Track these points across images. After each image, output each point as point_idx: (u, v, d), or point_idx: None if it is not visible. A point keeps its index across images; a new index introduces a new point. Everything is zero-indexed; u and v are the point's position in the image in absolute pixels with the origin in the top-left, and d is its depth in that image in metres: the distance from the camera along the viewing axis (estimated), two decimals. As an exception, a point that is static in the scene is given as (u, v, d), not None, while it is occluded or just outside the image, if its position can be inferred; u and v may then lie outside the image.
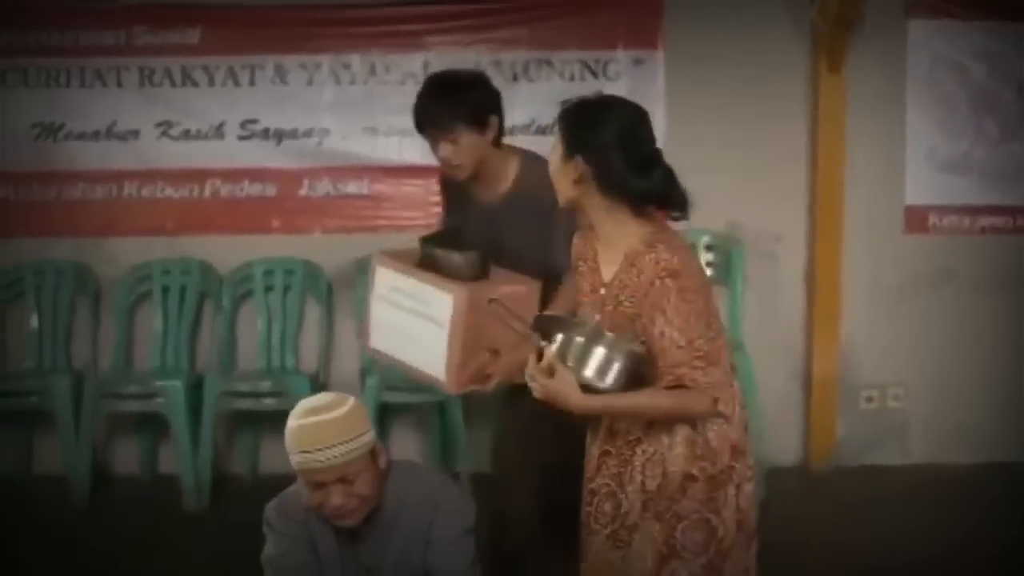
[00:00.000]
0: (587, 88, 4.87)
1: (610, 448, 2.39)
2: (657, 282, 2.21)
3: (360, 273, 4.84)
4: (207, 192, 4.89)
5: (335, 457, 2.22)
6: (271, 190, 4.90)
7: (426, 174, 4.87)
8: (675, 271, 2.21)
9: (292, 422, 2.28)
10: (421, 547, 2.35)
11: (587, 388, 2.23)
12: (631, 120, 2.32)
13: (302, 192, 4.90)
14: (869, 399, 5.00)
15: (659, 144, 5.26)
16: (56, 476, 4.70)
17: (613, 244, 2.32)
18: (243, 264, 4.84)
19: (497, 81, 4.79)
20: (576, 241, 2.49)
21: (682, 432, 2.30)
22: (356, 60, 4.86)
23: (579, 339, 2.22)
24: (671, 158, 5.26)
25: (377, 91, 4.87)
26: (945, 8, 4.87)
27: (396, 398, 4.55)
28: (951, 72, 4.91)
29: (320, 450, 2.22)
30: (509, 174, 3.07)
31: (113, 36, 4.81)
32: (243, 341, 4.86)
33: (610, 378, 2.22)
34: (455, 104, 2.97)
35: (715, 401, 2.26)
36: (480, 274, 2.92)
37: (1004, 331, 4.97)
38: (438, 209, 4.88)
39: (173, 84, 4.84)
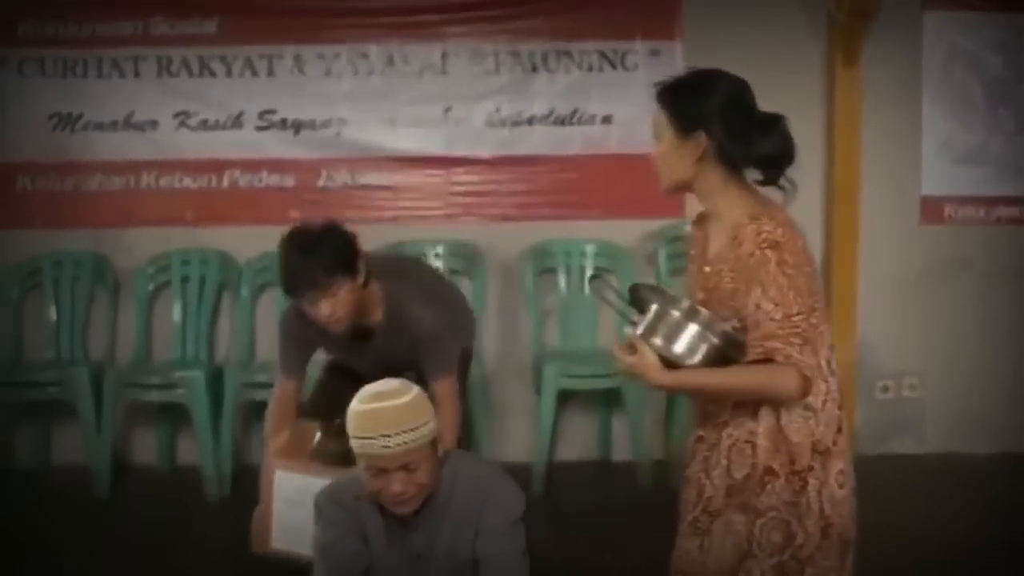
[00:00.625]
0: (605, 79, 4.94)
1: (702, 433, 2.35)
2: (757, 252, 2.15)
3: (379, 264, 4.85)
4: (225, 183, 4.89)
5: (401, 444, 2.22)
6: (289, 181, 4.90)
7: (445, 164, 4.93)
8: (776, 243, 2.15)
9: (358, 407, 2.27)
10: (471, 535, 2.36)
11: (672, 365, 2.18)
12: (737, 84, 2.26)
13: (320, 183, 4.91)
14: (885, 388, 5.03)
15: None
16: (74, 466, 4.72)
17: (722, 220, 2.27)
18: (262, 255, 4.83)
19: (515, 71, 4.94)
20: (691, 227, 2.46)
21: (765, 422, 2.23)
22: (374, 50, 4.86)
23: (674, 313, 2.18)
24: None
25: (395, 82, 4.87)
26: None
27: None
28: (967, 64, 4.93)
29: (387, 436, 2.22)
30: (377, 305, 3.06)
31: (130, 26, 4.81)
32: (261, 332, 4.87)
33: (698, 356, 2.16)
34: (326, 259, 2.88)
35: (807, 382, 2.15)
36: None
37: (1020, 321, 5.00)
38: (457, 199, 4.96)
39: (191, 74, 4.83)
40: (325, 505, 2.40)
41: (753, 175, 2.28)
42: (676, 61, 4.87)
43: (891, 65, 4.89)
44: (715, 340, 2.17)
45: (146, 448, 4.92)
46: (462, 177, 4.91)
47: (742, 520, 2.26)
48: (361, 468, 2.28)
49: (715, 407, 2.31)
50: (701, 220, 2.40)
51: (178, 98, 4.83)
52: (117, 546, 4.05)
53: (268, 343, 4.85)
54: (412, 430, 2.24)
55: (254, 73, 4.84)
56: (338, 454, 2.88)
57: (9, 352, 4.79)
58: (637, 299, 2.31)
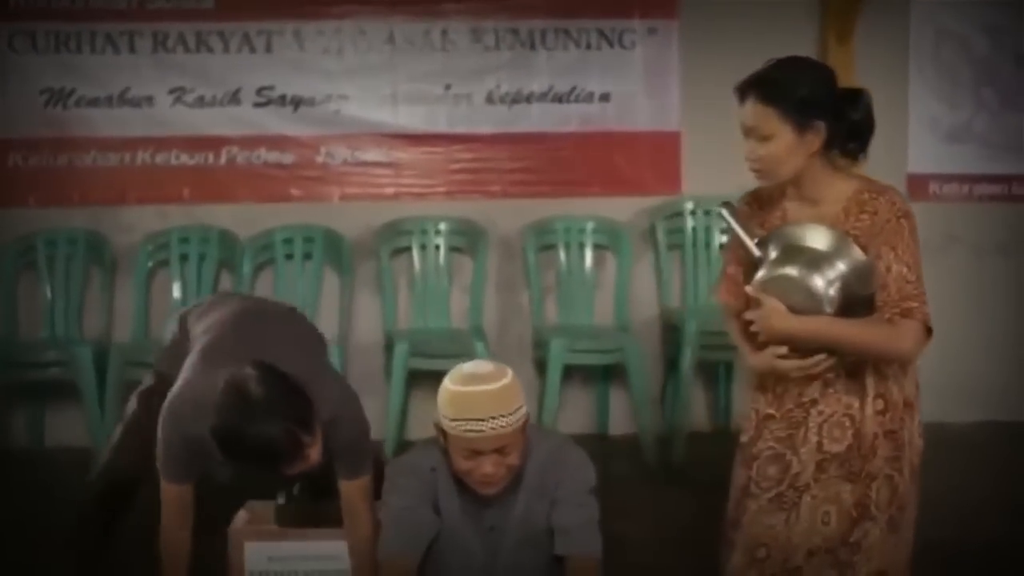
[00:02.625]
0: (603, 57, 4.98)
1: (774, 412, 2.40)
2: (894, 220, 2.26)
3: (382, 241, 4.86)
4: (223, 159, 4.84)
5: (499, 428, 2.24)
6: (288, 158, 4.87)
7: (445, 141, 4.93)
8: (908, 212, 2.29)
9: (455, 388, 2.28)
10: (545, 506, 2.39)
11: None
12: (822, 64, 2.36)
13: (320, 159, 4.88)
14: (873, 361, 5.16)
15: (671, 113, 5.25)
16: (71, 448, 4.65)
17: (820, 198, 2.33)
18: (263, 232, 4.81)
19: (515, 49, 4.95)
20: (746, 208, 2.45)
21: (872, 391, 2.33)
22: (375, 27, 4.84)
23: (819, 248, 2.25)
24: (685, 126, 5.30)
25: (395, 58, 4.87)
26: (948, -20, 5.04)
27: (424, 365, 4.59)
28: (953, 44, 5.07)
29: (484, 420, 2.23)
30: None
31: (125, 0, 4.73)
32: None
33: (833, 291, 2.23)
34: (298, 410, 2.40)
35: (930, 334, 2.27)
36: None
37: (1002, 294, 5.16)
38: (457, 176, 4.96)
39: (187, 50, 4.78)
40: (399, 474, 2.42)
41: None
42: (673, 39, 4.94)
43: (881, 45, 5.00)
44: (853, 273, 2.23)
45: (144, 428, 4.88)
46: (462, 154, 4.93)
47: (849, 488, 2.35)
48: (452, 448, 2.30)
49: (798, 388, 2.35)
50: (764, 201, 2.43)
51: (174, 74, 4.77)
52: (130, 526, 4.01)
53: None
54: (509, 414, 2.25)
55: (252, 49, 4.80)
56: (307, 514, 2.83)
57: (2, 332, 4.71)
58: (762, 245, 2.34)
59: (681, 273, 4.96)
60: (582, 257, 4.94)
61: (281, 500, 2.90)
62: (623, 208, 4.96)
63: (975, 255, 5.16)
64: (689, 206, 4.92)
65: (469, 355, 4.51)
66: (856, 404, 2.34)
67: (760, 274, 2.29)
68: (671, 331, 4.87)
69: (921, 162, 5.12)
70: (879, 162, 5.00)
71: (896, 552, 2.39)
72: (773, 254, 2.29)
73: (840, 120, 2.29)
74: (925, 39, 5.05)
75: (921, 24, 5.04)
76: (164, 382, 2.76)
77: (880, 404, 2.34)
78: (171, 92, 4.78)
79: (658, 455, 4.68)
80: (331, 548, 2.78)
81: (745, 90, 2.31)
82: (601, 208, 4.97)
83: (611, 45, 4.93)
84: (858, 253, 2.25)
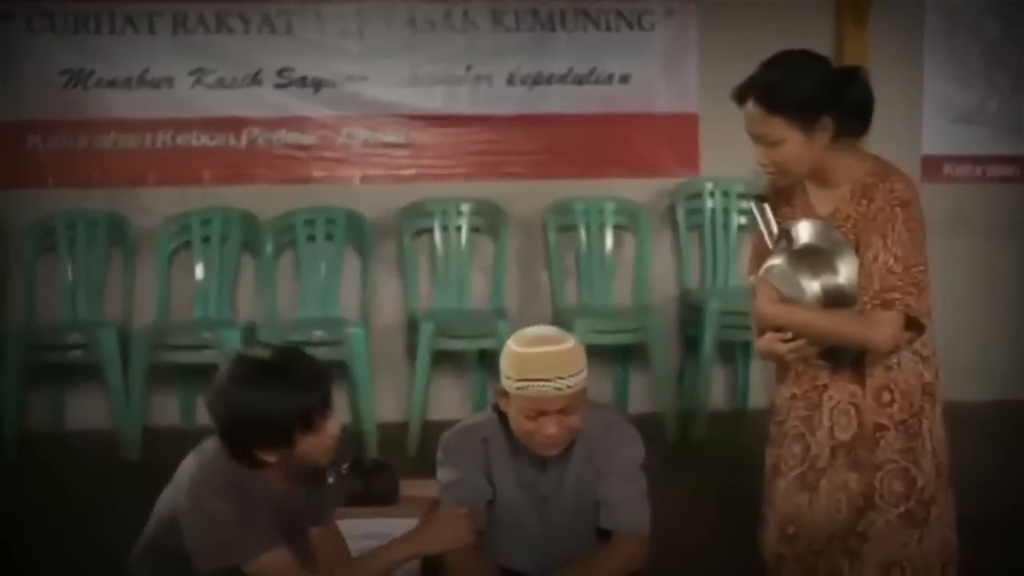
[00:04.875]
0: (622, 38, 4.99)
1: (796, 391, 2.42)
2: (887, 209, 2.24)
3: (403, 222, 4.87)
4: (244, 141, 4.84)
5: (568, 388, 2.29)
6: (309, 139, 4.87)
7: (466, 123, 4.94)
8: (906, 201, 2.25)
9: (523, 349, 2.32)
10: (595, 477, 2.43)
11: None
12: (812, 54, 2.32)
13: (340, 141, 4.88)
14: (885, 340, 5.22)
15: (690, 95, 5.24)
16: (93, 431, 4.67)
17: (836, 181, 2.33)
18: (284, 213, 4.81)
19: (535, 30, 4.97)
20: (769, 190, 2.45)
21: (872, 382, 2.32)
22: (395, 8, 4.84)
23: (816, 244, 2.29)
24: (704, 107, 5.32)
25: (416, 39, 4.87)
26: (961, -36, 5.08)
27: (447, 345, 4.61)
28: (966, 27, 5.12)
29: (555, 380, 2.28)
30: None
31: (144, -19, 4.72)
32: (284, 290, 4.84)
33: (817, 285, 2.27)
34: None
35: (915, 329, 2.27)
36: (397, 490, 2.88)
37: (1014, 275, 5.23)
38: (477, 158, 4.98)
39: (208, 31, 4.77)
40: (453, 446, 2.47)
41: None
42: (691, 21, 4.97)
43: (896, 28, 5.05)
44: (844, 288, 2.26)
45: (165, 410, 4.86)
46: (482, 135, 4.94)
47: (855, 477, 2.35)
48: (516, 410, 2.33)
49: (810, 369, 2.38)
50: (783, 190, 2.41)
51: (195, 55, 4.76)
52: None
53: (291, 301, 4.85)
54: (576, 374, 2.31)
55: (273, 30, 4.80)
56: (356, 492, 2.86)
57: (23, 314, 4.69)
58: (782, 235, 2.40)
59: (700, 253, 5.01)
60: (602, 238, 4.96)
61: (331, 479, 2.93)
62: (643, 189, 5.00)
63: (988, 235, 5.22)
64: (708, 187, 4.96)
65: (492, 335, 4.55)
66: (859, 393, 2.34)
67: (766, 263, 2.35)
68: (690, 311, 4.91)
69: (935, 144, 5.18)
70: (894, 144, 5.11)
71: (918, 547, 2.35)
72: (783, 245, 2.35)
73: (843, 105, 2.26)
74: (939, 22, 5.10)
75: (935, 7, 5.09)
76: None
77: (887, 396, 2.31)
78: (191, 73, 4.77)
79: (678, 434, 4.73)
80: (380, 526, 2.79)
81: (743, 95, 2.28)
82: (621, 189, 5.00)
83: (630, 27, 4.95)
84: (852, 256, 2.27)
